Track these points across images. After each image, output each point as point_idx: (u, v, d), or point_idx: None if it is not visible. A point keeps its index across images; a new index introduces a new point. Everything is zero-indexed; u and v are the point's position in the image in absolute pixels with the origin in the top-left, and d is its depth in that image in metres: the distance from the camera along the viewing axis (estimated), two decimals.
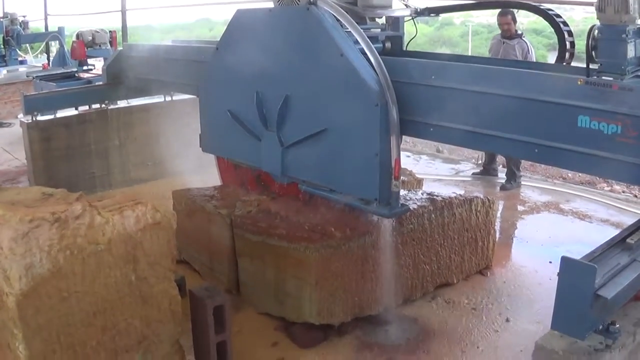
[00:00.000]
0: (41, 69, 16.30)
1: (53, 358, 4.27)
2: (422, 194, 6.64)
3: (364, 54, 5.05)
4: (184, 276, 6.46)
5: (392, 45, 6.21)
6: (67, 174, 9.35)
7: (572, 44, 5.43)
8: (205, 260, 6.85)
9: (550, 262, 7.31)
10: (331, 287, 5.66)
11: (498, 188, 10.09)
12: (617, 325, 3.38)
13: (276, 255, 5.88)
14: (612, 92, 4.04)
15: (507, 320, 6.18)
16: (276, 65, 5.62)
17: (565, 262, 3.29)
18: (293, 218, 6.05)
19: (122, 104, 10.13)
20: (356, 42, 5.10)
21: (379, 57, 5.01)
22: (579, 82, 4.19)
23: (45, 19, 22.60)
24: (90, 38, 14.98)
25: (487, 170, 10.66)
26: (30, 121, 9.20)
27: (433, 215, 6.32)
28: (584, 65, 4.36)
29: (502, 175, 10.39)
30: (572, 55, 5.42)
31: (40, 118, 9.31)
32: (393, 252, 5.97)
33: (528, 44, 9.64)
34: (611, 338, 3.34)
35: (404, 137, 5.29)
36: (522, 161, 10.16)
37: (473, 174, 10.87)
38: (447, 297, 6.58)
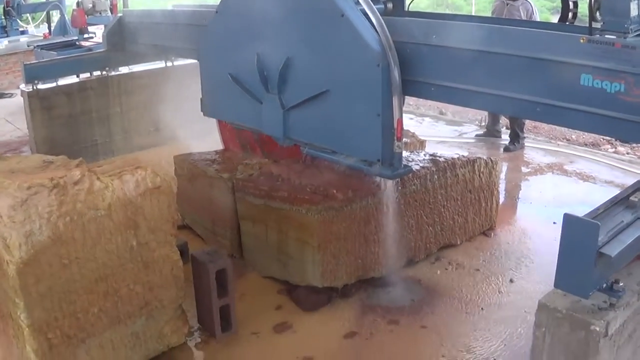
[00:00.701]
0: (42, 38, 16.15)
1: (55, 326, 4.29)
2: (424, 155, 6.59)
3: (365, 14, 4.97)
4: (187, 241, 6.46)
5: (393, 6, 6.12)
6: (69, 142, 9.26)
7: (575, 4, 5.34)
8: (207, 225, 6.83)
9: (554, 222, 7.20)
10: (334, 250, 5.64)
11: (501, 149, 10.00)
12: (621, 284, 3.34)
13: (278, 218, 5.86)
14: (615, 51, 3.97)
15: (511, 281, 6.17)
16: (277, 27, 5.52)
17: (568, 219, 3.24)
18: (295, 180, 6.02)
19: (123, 70, 10.04)
20: (357, 2, 5.02)
21: (380, 18, 4.93)
22: (582, 41, 4.11)
23: None
24: (91, 6, 14.81)
25: (491, 132, 10.57)
26: (30, 90, 9.12)
27: (436, 176, 6.29)
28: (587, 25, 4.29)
29: (505, 137, 10.30)
30: (575, 15, 5.34)
31: (41, 87, 9.23)
32: (396, 214, 5.94)
33: (532, 5, 9.51)
34: (615, 296, 3.30)
35: (407, 99, 5.22)
36: (526, 123, 10.11)
37: (476, 135, 10.78)
38: (450, 258, 6.56)
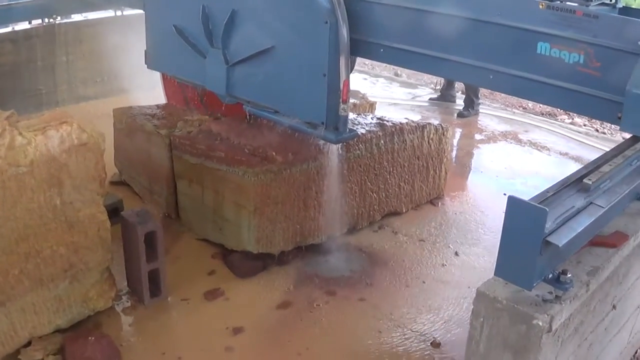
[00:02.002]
0: None
1: None
2: (371, 118, 6.38)
3: None
4: (122, 199, 6.21)
5: None
6: (13, 91, 8.87)
7: None
8: (144, 183, 6.58)
9: (505, 194, 6.96)
10: (271, 214, 5.43)
11: (455, 115, 9.86)
12: (569, 275, 3.13)
13: (215, 179, 5.64)
14: (575, 19, 3.79)
15: (456, 254, 6.03)
16: None
17: (513, 202, 3.00)
18: (234, 140, 5.76)
19: (71, 18, 9.65)
20: None
21: None
22: (541, 6, 3.92)
23: None
24: None
25: (445, 96, 10.43)
26: None
27: (382, 141, 6.08)
28: None
29: (460, 102, 10.16)
30: None
31: None
32: (338, 179, 5.75)
33: None
34: (561, 288, 3.08)
35: (362, 59, 4.98)
36: (481, 89, 9.92)
37: (430, 99, 10.63)
38: (394, 227, 6.40)
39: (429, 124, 6.58)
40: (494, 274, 3.14)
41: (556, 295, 3.11)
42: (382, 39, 4.74)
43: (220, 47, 5.34)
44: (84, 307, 4.70)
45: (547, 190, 3.28)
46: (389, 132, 6.12)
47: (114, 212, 5.32)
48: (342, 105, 4.73)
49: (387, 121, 6.30)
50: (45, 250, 4.30)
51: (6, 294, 4.20)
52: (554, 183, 3.39)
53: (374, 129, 6.08)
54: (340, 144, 5.48)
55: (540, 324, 3.00)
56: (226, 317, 5.02)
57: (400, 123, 6.31)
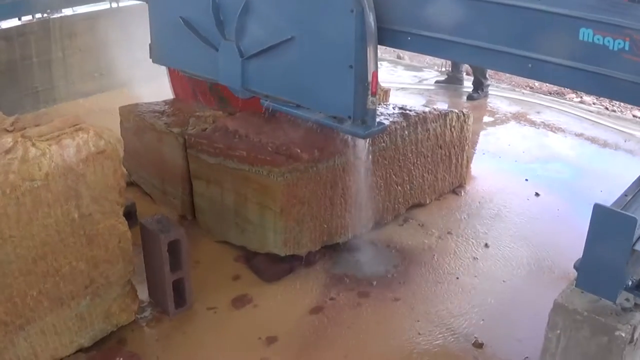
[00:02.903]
0: None
1: None
2: (393, 108, 6.12)
3: None
4: (134, 202, 5.96)
5: None
6: (8, 90, 8.61)
7: None
8: (157, 183, 6.31)
9: (527, 179, 7.02)
10: (298, 215, 5.18)
11: (464, 97, 9.59)
12: None
13: (236, 179, 5.38)
14: (620, 4, 3.55)
15: (486, 245, 5.80)
16: None
17: (600, 211, 2.75)
18: (254, 137, 5.49)
19: (65, 12, 9.37)
20: None
21: None
22: None
23: None
24: None
25: (452, 78, 10.16)
26: None
27: (406, 132, 5.84)
28: None
29: (468, 85, 9.88)
30: None
31: None
32: (364, 174, 5.49)
33: None
34: None
35: None
36: (488, 71, 9.66)
37: (436, 82, 10.35)
38: (420, 219, 6.17)
39: (451, 111, 6.34)
40: (576, 286, 2.88)
41: (635, 303, 2.87)
42: (410, 27, 4.46)
43: (233, 39, 5.09)
44: (107, 323, 4.48)
45: (625, 194, 3.01)
46: (413, 121, 5.88)
47: (127, 215, 5.04)
48: (370, 98, 4.48)
49: (410, 110, 6.05)
50: (64, 268, 4.07)
51: (25, 316, 3.98)
52: (630, 185, 3.13)
53: (398, 119, 5.83)
54: (369, 138, 5.23)
55: (623, 335, 2.81)
56: (257, 326, 4.80)
57: (424, 112, 6.07)
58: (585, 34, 3.67)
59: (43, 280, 3.96)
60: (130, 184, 6.55)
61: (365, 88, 4.45)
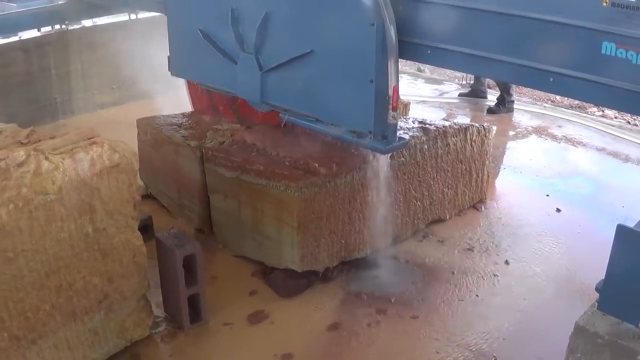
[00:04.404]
0: None
1: (2, 328, 3.77)
2: (413, 122, 6.06)
3: None
4: (151, 215, 5.93)
5: None
6: (27, 101, 8.62)
7: None
8: (174, 196, 6.26)
9: (548, 195, 6.92)
10: (315, 230, 5.11)
11: (486, 111, 9.49)
12: None
13: (253, 193, 5.31)
14: None
15: (507, 262, 5.70)
16: None
17: (623, 232, 2.68)
18: (271, 151, 5.44)
19: (84, 24, 9.37)
20: None
21: None
22: (604, 4, 3.59)
23: None
24: None
25: (475, 91, 10.06)
26: None
27: (426, 146, 5.77)
28: None
29: (491, 98, 9.79)
30: None
31: None
32: (383, 189, 5.41)
33: None
34: None
35: None
36: (514, 87, 9.60)
37: (460, 94, 10.25)
38: (439, 235, 6.08)
39: (472, 125, 6.26)
40: (598, 308, 2.80)
41: None
42: (429, 40, 4.41)
43: (252, 52, 5.04)
44: (121, 338, 4.43)
45: None
46: (433, 136, 5.80)
47: (143, 229, 4.99)
48: (391, 113, 4.41)
49: (430, 124, 5.98)
50: (78, 282, 4.03)
51: (37, 331, 3.93)
52: None
53: (418, 133, 5.76)
54: (390, 154, 5.17)
55: None
56: (273, 342, 4.72)
57: (444, 126, 6.00)
58: (608, 47, 3.60)
59: (56, 295, 3.91)
60: (147, 196, 6.52)
61: (386, 102, 4.38)
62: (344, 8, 4.39)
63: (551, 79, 3.92)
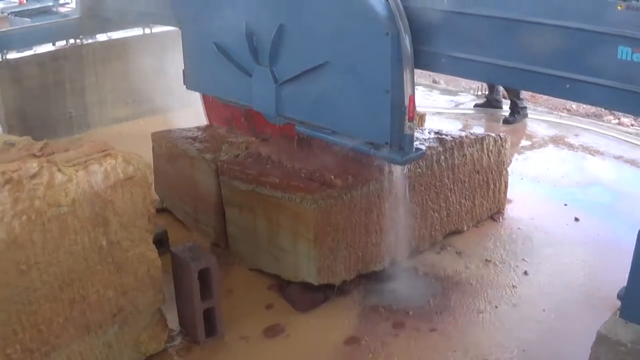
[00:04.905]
0: (17, 4, 15.50)
1: (15, 340, 3.74)
2: (429, 132, 6.01)
3: None
4: (166, 229, 5.89)
5: None
6: (42, 116, 8.64)
7: None
8: (189, 210, 6.23)
9: (566, 204, 6.82)
10: (332, 243, 5.05)
11: (502, 122, 9.43)
12: None
13: (269, 206, 5.27)
14: None
15: (526, 273, 5.61)
16: None
17: None
18: (287, 164, 5.41)
19: (99, 38, 9.39)
20: None
21: None
22: (619, 7, 3.56)
23: None
24: None
25: (490, 101, 9.98)
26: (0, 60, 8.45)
27: (442, 157, 5.72)
28: None
29: (506, 108, 9.72)
30: None
31: (10, 56, 8.55)
32: (400, 200, 5.36)
33: None
34: None
35: None
36: (523, 93, 9.53)
37: (475, 105, 10.19)
38: (457, 247, 6.00)
39: (488, 135, 6.20)
40: (620, 316, 2.75)
41: None
42: (445, 48, 4.39)
43: (267, 65, 5.04)
44: (135, 351, 4.40)
45: None
46: (449, 146, 5.75)
47: (158, 243, 4.97)
48: (408, 123, 4.38)
49: (446, 135, 5.93)
50: (92, 295, 4.00)
51: (51, 343, 3.90)
52: None
53: (434, 144, 5.71)
54: (407, 165, 5.13)
55: None
56: (290, 357, 4.70)
57: (460, 136, 5.95)
58: (624, 52, 3.57)
59: (70, 308, 3.89)
60: (163, 210, 6.50)
61: (402, 113, 4.35)
62: (358, 18, 4.37)
63: (567, 86, 3.89)
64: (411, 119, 4.36)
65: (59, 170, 3.67)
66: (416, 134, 5.64)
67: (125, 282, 4.11)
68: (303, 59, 4.78)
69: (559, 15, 3.81)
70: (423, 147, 5.28)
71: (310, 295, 5.16)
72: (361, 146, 4.69)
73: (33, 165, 3.58)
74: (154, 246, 4.25)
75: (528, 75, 4.06)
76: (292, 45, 4.86)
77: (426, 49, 4.42)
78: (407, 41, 4.25)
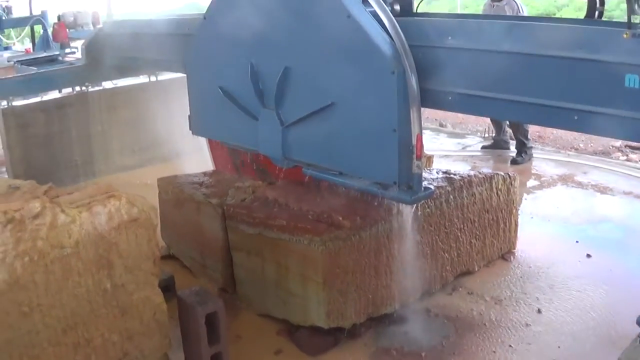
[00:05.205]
0: (24, 53, 15.68)
1: None
2: (437, 172, 5.97)
3: (375, 15, 4.41)
4: (173, 275, 5.81)
5: (400, 8, 5.49)
6: (47, 163, 8.65)
7: (602, 0, 4.71)
8: (196, 256, 6.16)
9: (577, 241, 6.79)
10: (341, 285, 4.96)
11: (509, 162, 9.41)
12: None
13: (276, 249, 5.19)
14: None
15: (539, 311, 5.52)
16: (273, 32, 4.97)
17: None
18: (294, 206, 5.34)
19: (104, 85, 9.44)
20: (365, 2, 4.46)
21: (394, 18, 4.39)
22: (625, 36, 3.56)
23: (30, 4, 21.85)
24: (72, 19, 14.44)
25: (498, 142, 10.02)
26: (5, 106, 8.49)
27: (451, 197, 5.66)
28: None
29: (514, 149, 9.72)
30: (601, 14, 4.72)
31: (16, 103, 8.60)
32: (409, 241, 5.28)
33: (518, 3, 9.03)
34: None
35: None
36: (530, 131, 9.64)
37: (483, 147, 10.22)
38: (469, 287, 5.91)
39: (497, 174, 6.15)
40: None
41: None
42: (450, 86, 4.38)
43: (273, 107, 5.04)
44: None
45: None
46: (458, 186, 5.70)
47: (165, 289, 4.89)
48: (416, 162, 4.35)
49: (454, 174, 5.89)
50: (96, 339, 3.91)
51: None
52: None
53: (442, 183, 5.66)
54: (416, 204, 5.07)
55: None
56: None
57: (468, 175, 5.90)
58: (631, 80, 3.56)
59: (73, 352, 3.80)
60: (169, 257, 6.43)
61: (410, 152, 4.32)
62: (364, 58, 4.36)
63: (575, 117, 3.87)
64: (419, 158, 4.33)
65: (62, 211, 3.62)
66: (424, 174, 5.60)
67: (130, 326, 4.03)
68: (309, 100, 4.76)
69: (564, 46, 3.80)
70: (432, 187, 5.22)
71: (320, 339, 5.05)
72: (369, 187, 4.66)
73: (36, 205, 3.53)
74: (159, 290, 4.17)
75: (535, 108, 4.04)
76: (297, 87, 4.86)
77: (432, 87, 4.41)
78: (413, 79, 4.24)
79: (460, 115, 12.68)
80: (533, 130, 9.89)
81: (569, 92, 3.85)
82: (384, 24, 4.36)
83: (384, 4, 4.43)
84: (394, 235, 5.18)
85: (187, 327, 4.53)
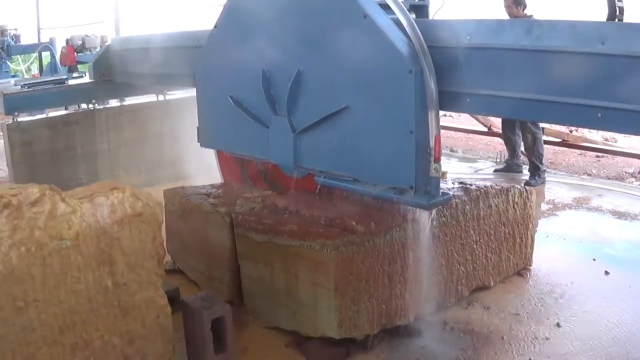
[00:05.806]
0: (32, 78, 15.66)
1: None
2: (453, 182, 5.83)
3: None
4: (178, 287, 5.62)
5: (417, 16, 5.38)
6: (52, 180, 8.28)
7: (622, 9, 4.58)
8: (202, 269, 5.96)
9: (594, 259, 6.64)
10: (354, 293, 4.75)
11: (522, 184, 9.26)
12: None
13: (286, 256, 5.00)
14: None
15: (558, 325, 5.32)
16: (285, 36, 4.91)
17: None
18: (305, 212, 5.15)
19: (111, 103, 9.41)
20: (382, 3, 4.41)
21: (411, 17, 4.31)
22: None
23: (38, 32, 21.96)
24: (80, 43, 14.38)
25: (510, 166, 9.94)
26: (10, 122, 8.41)
27: (467, 207, 5.48)
28: None
29: (527, 172, 9.64)
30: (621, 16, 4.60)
31: (21, 119, 8.53)
32: (424, 250, 5.10)
33: None
34: None
35: None
36: (544, 156, 9.56)
37: (495, 170, 10.15)
38: (485, 302, 5.71)
39: (513, 186, 6.01)
40: None
41: None
42: (469, 87, 4.28)
43: (285, 114, 4.97)
44: None
45: None
46: (474, 196, 5.53)
47: (170, 301, 4.71)
48: (434, 165, 4.24)
49: (470, 184, 5.74)
50: (96, 341, 3.72)
51: None
52: None
53: (458, 193, 5.49)
54: (432, 210, 4.90)
55: None
56: None
57: (485, 186, 5.75)
58: None
59: (71, 353, 3.60)
60: (175, 271, 6.28)
61: (428, 154, 4.22)
62: (380, 58, 4.29)
63: (599, 115, 3.76)
64: (437, 161, 4.21)
65: (62, 199, 3.46)
66: (441, 184, 5.46)
67: (132, 328, 3.84)
68: (322, 104, 4.69)
69: (585, 43, 3.70)
70: (450, 193, 5.04)
71: (330, 350, 4.83)
72: (384, 193, 4.55)
73: (34, 191, 3.37)
74: (163, 292, 4.00)
75: (558, 107, 3.92)
76: (310, 91, 4.78)
77: (449, 89, 4.30)
78: (431, 80, 4.14)
79: (470, 141, 12.62)
80: (545, 156, 9.78)
81: (593, 89, 3.74)
82: (401, 24, 4.28)
83: (402, 5, 4.35)
84: (409, 243, 4.99)
85: (192, 334, 4.34)
